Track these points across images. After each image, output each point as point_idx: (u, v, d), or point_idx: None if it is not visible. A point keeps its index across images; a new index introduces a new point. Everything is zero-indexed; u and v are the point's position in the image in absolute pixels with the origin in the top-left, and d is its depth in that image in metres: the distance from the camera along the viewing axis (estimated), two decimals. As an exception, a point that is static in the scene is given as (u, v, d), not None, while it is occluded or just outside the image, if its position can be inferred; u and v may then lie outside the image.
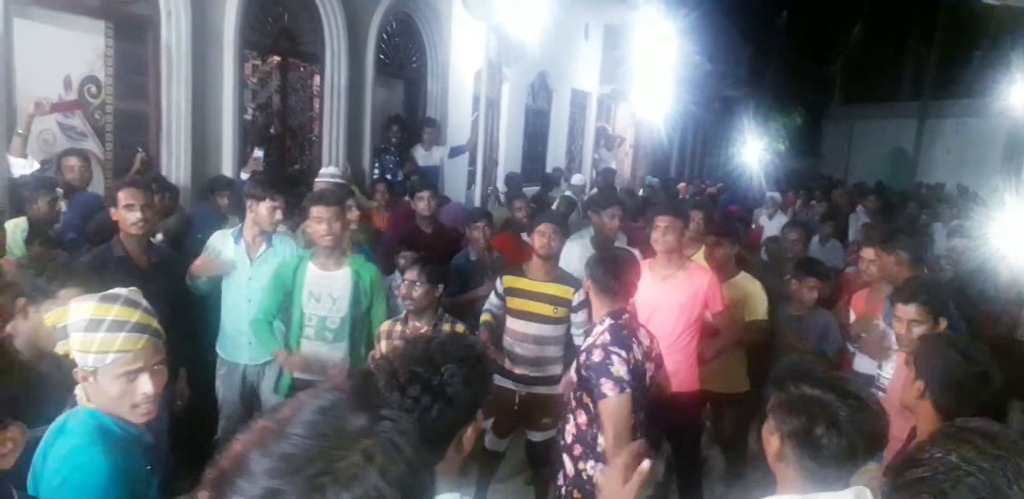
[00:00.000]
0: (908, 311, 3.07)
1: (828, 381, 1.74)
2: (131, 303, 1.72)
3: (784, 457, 1.73)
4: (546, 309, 3.90)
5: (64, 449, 1.67)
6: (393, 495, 0.88)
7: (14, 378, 1.97)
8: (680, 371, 3.73)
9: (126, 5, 5.38)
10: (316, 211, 3.71)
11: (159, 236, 4.49)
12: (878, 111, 29.18)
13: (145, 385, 1.72)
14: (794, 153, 27.95)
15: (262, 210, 3.97)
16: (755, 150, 21.66)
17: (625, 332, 2.90)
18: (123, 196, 3.56)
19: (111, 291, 1.74)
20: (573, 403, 2.97)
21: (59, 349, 1.71)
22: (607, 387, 2.75)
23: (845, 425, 1.65)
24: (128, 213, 3.54)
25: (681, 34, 15.63)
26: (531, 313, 3.91)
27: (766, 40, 27.78)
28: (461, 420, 1.56)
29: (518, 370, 3.91)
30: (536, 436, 3.99)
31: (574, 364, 2.99)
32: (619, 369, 2.76)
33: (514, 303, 3.96)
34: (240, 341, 4.00)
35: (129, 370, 1.70)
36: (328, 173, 5.91)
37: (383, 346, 3.59)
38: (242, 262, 4.01)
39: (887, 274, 4.09)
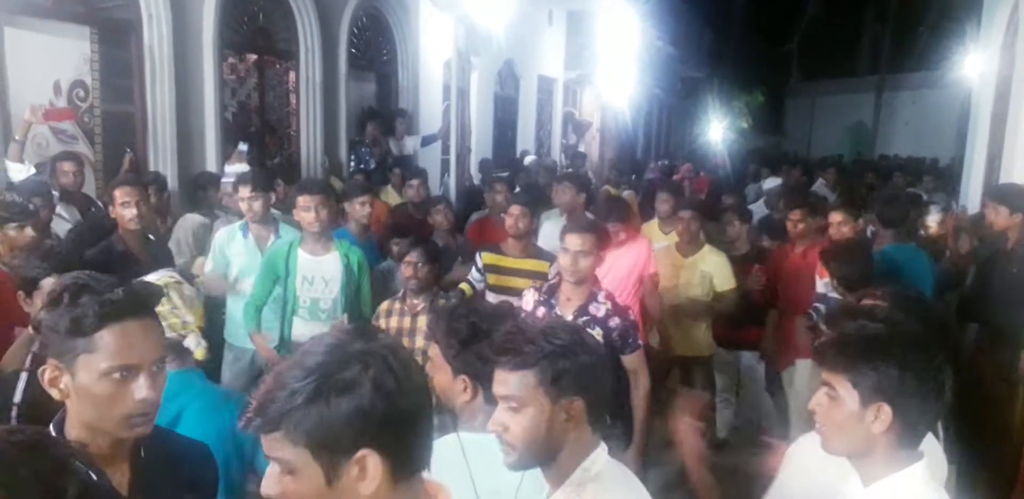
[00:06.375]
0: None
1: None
2: None
3: None
4: (524, 283, 4.08)
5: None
6: (383, 407, 1.07)
7: None
8: None
9: (109, 10, 5.56)
10: (303, 200, 3.92)
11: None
12: (837, 87, 29.73)
13: None
14: (758, 131, 28.39)
15: (241, 204, 4.27)
16: (719, 129, 22.05)
17: None
18: (119, 194, 3.82)
19: None
20: None
21: None
22: (639, 338, 3.29)
23: None
24: (125, 210, 3.80)
25: (642, 18, 15.99)
26: (511, 288, 4.13)
27: (725, 21, 28.15)
28: None
29: None
30: None
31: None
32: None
33: (493, 279, 4.21)
34: None
35: None
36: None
37: (382, 324, 3.85)
38: (252, 254, 4.22)
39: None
